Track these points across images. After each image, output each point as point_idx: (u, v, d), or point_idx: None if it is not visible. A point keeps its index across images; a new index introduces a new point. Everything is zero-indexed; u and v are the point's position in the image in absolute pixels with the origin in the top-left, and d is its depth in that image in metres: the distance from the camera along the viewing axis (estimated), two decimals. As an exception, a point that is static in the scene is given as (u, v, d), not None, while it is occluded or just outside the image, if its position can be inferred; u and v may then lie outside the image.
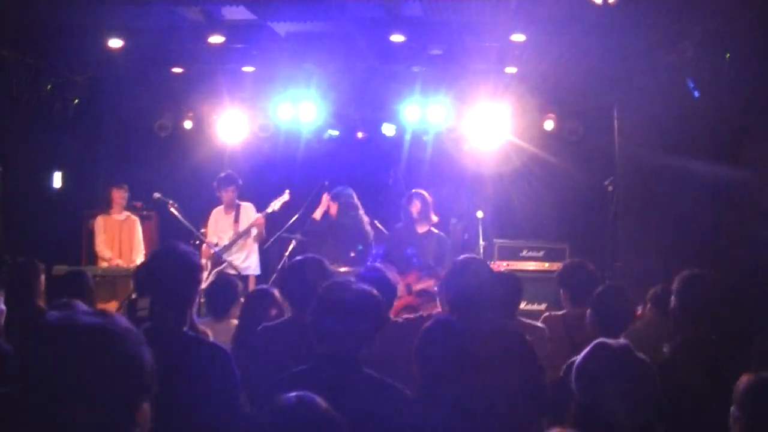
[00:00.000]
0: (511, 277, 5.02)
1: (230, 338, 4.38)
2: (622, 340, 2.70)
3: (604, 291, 4.24)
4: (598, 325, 4.04)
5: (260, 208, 8.47)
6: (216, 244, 8.22)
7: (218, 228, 8.36)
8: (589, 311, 4.17)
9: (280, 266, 8.07)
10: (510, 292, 4.70)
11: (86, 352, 1.48)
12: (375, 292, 3.07)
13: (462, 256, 4.29)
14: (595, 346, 2.61)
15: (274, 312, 4.69)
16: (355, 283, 3.15)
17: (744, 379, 2.75)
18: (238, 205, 8.37)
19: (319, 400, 2.11)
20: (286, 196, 8.35)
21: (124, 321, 1.61)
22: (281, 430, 2.06)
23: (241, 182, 8.39)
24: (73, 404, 1.45)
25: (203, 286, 5.47)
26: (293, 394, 2.11)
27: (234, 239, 8.20)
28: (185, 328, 3.18)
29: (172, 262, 3.14)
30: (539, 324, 4.79)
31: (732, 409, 2.73)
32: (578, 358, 2.63)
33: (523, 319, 4.81)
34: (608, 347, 2.59)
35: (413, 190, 7.94)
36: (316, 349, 2.98)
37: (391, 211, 8.95)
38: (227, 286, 5.20)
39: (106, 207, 8.48)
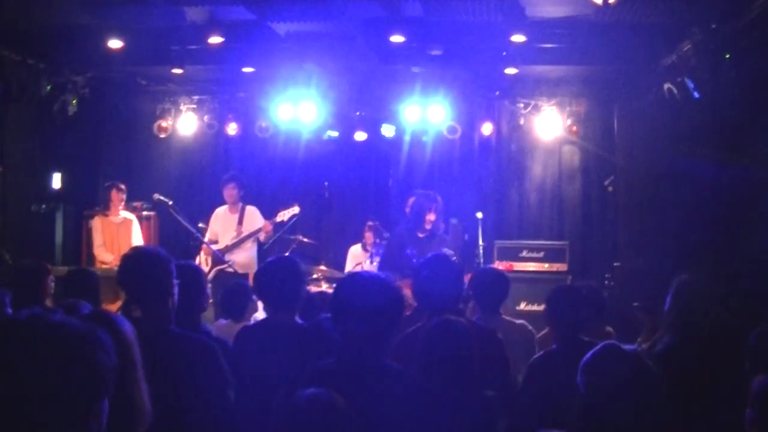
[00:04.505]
0: (499, 274, 5.02)
1: None
2: (632, 346, 2.69)
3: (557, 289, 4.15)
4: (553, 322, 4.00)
5: (260, 209, 8.47)
6: (215, 242, 8.25)
7: (220, 226, 8.40)
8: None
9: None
10: (497, 289, 4.73)
11: (37, 350, 1.49)
12: (392, 282, 3.01)
13: (430, 254, 4.32)
14: (604, 345, 2.63)
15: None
16: (372, 275, 3.11)
17: (759, 380, 2.73)
18: (243, 207, 8.41)
19: (332, 397, 2.09)
20: (296, 210, 8.34)
21: (85, 322, 1.63)
22: (295, 428, 2.06)
23: (244, 182, 8.42)
24: (23, 401, 1.46)
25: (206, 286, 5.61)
26: (309, 391, 2.10)
27: (238, 241, 8.22)
28: (171, 326, 3.24)
29: (143, 263, 3.26)
30: (523, 322, 4.80)
31: (747, 410, 2.71)
32: (587, 355, 2.64)
33: (506, 317, 4.80)
34: (618, 349, 2.61)
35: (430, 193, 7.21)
36: (336, 344, 2.96)
37: (391, 211, 8.95)
38: (242, 288, 5.34)
39: (104, 208, 8.47)
